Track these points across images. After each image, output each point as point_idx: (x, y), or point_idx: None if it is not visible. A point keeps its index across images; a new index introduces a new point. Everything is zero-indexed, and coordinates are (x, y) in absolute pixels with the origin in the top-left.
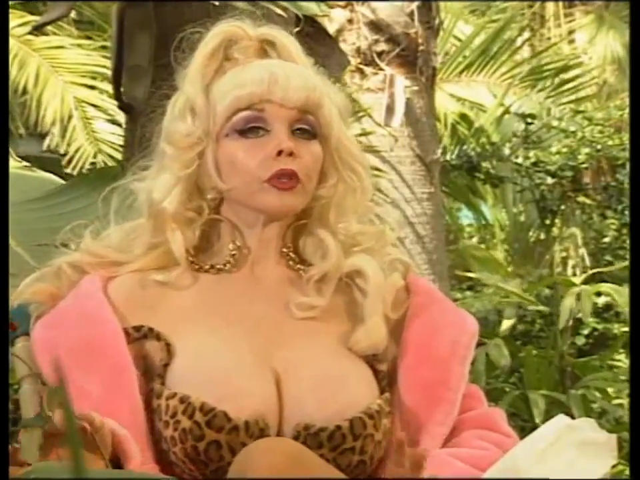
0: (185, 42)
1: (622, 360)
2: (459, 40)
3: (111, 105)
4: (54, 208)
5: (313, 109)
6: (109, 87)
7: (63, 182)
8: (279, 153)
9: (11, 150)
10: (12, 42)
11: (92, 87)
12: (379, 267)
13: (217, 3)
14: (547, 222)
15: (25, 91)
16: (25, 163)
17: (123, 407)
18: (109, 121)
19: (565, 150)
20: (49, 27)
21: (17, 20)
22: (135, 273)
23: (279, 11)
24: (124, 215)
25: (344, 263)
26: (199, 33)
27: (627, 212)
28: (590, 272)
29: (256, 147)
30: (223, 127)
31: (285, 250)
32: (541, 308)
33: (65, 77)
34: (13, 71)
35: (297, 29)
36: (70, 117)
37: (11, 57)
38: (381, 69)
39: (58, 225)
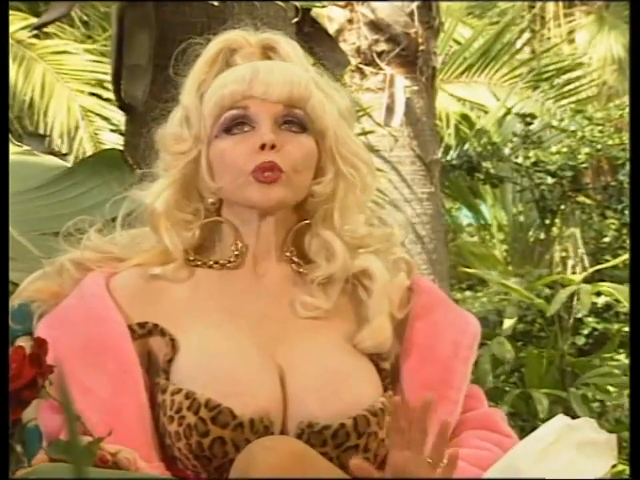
0: (186, 53)
1: (621, 360)
2: (459, 43)
3: (116, 114)
4: (55, 195)
5: (300, 102)
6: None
7: (63, 165)
8: (262, 146)
9: (10, 137)
10: (16, 48)
11: (97, 95)
12: (384, 267)
13: (216, 3)
14: (547, 222)
15: (32, 103)
16: (25, 147)
17: (130, 406)
18: (113, 130)
19: (565, 150)
20: (53, 30)
21: (21, 22)
22: (136, 268)
23: (279, 3)
24: (131, 224)
25: (350, 264)
26: (201, 44)
27: (626, 212)
28: (590, 270)
29: (242, 142)
30: (212, 129)
31: (287, 254)
32: (542, 304)
33: (70, 84)
34: (19, 81)
35: (296, 20)
36: (77, 128)
37: (16, 64)
38: (381, 69)
39: (61, 212)
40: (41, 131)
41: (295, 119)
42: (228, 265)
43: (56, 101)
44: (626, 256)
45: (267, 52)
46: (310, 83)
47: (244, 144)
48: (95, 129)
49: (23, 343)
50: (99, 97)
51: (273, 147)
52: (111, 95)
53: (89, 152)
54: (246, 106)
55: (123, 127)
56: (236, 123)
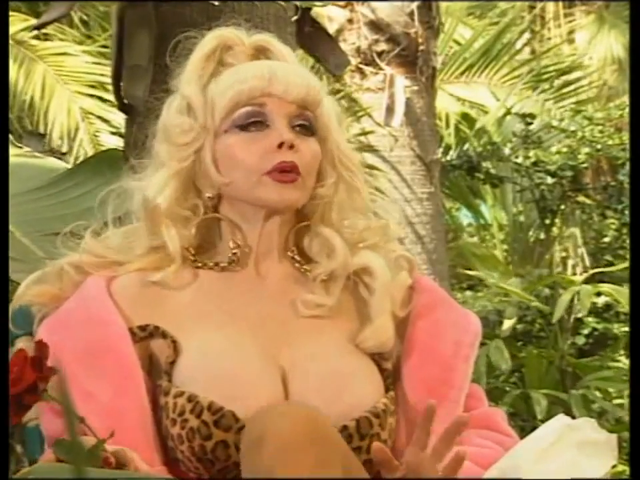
0: (180, 46)
1: (622, 360)
2: (459, 44)
3: (116, 116)
4: (58, 195)
5: (312, 105)
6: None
7: (64, 166)
8: (280, 145)
9: (11, 138)
10: (16, 49)
11: (97, 97)
12: (385, 264)
13: (216, 3)
14: (547, 222)
15: (32, 104)
16: (26, 149)
17: (131, 409)
18: (114, 133)
19: (565, 150)
20: (53, 32)
21: (21, 24)
22: (136, 273)
23: (279, 2)
24: (121, 219)
25: (351, 261)
26: (195, 37)
27: (626, 212)
28: (590, 272)
29: (257, 141)
30: (223, 123)
31: (289, 253)
32: (542, 306)
33: (71, 86)
34: (20, 81)
35: (295, 19)
36: (77, 129)
37: (16, 65)
38: (381, 69)
39: (63, 212)
40: (41, 132)
41: (306, 122)
42: (229, 266)
43: (56, 102)
44: (626, 264)
45: (259, 54)
46: (322, 87)
47: (259, 142)
48: (94, 131)
49: (23, 343)
50: (100, 98)
51: (291, 147)
52: (112, 97)
53: (90, 154)
54: (263, 103)
55: (123, 130)
56: (251, 120)
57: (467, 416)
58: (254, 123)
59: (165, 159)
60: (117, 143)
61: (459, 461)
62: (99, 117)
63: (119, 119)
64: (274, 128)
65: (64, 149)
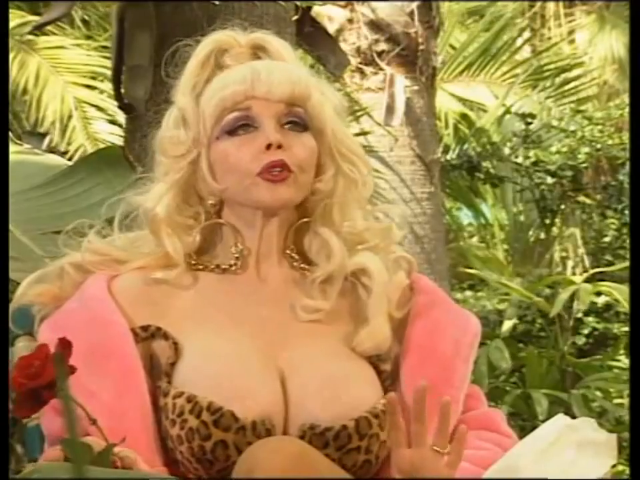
0: (177, 55)
1: (622, 360)
2: (454, 49)
3: (111, 105)
4: (57, 194)
5: (301, 101)
6: (109, 87)
7: (65, 163)
8: (268, 146)
9: (11, 136)
10: (12, 42)
11: (92, 87)
12: (383, 265)
13: (217, 3)
14: (547, 222)
15: (25, 91)
16: (26, 146)
17: (133, 410)
18: (108, 121)
19: (564, 149)
20: (50, 27)
21: (18, 19)
22: (138, 271)
23: (278, 2)
24: (128, 225)
25: (348, 262)
26: (191, 46)
27: (626, 212)
28: (590, 272)
29: (246, 144)
30: (213, 131)
31: (288, 252)
32: (543, 303)
33: (66, 77)
34: (13, 70)
35: (296, 19)
36: (70, 117)
37: (11, 56)
38: (381, 69)
39: (62, 210)
40: (33, 118)
41: (296, 118)
42: (230, 269)
43: (49, 90)
44: (626, 263)
45: (257, 52)
46: (309, 81)
47: (248, 145)
48: (88, 119)
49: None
50: (94, 88)
51: (279, 146)
52: (106, 87)
53: (82, 141)
54: (248, 107)
55: (117, 117)
56: (238, 124)
57: (424, 383)
58: (242, 126)
59: (162, 171)
60: (110, 129)
61: (461, 439)
62: (94, 105)
63: (114, 107)
64: (262, 129)
65: (56, 140)
